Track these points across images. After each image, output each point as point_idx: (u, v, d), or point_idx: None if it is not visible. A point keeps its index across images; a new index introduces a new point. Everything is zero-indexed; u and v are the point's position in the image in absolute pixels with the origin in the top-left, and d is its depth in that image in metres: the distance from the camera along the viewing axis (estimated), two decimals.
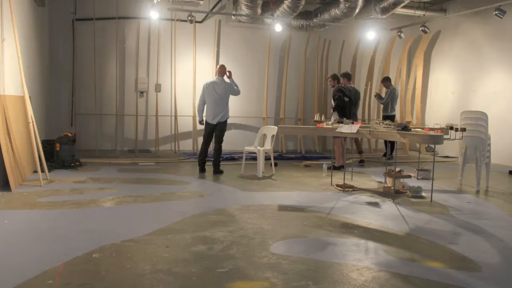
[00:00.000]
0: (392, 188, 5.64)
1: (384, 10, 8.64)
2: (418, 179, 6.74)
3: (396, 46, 10.80)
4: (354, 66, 10.63)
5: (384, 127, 5.79)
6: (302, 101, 10.40)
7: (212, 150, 7.27)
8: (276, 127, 7.26)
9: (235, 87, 7.04)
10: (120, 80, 9.41)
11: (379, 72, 11.05)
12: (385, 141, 9.06)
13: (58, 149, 7.19)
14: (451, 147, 9.38)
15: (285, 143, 10.31)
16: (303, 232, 4.00)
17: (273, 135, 7.14)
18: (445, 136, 5.39)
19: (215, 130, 6.96)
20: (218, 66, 7.21)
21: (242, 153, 7.25)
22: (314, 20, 9.53)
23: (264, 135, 7.39)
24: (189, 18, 8.52)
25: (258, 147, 7.03)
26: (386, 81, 9.46)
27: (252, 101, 10.33)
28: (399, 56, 10.94)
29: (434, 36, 10.77)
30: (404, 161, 8.97)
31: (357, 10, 8.49)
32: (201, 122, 7.19)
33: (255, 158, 7.15)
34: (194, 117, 9.66)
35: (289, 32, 10.02)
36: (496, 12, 7.86)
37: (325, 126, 6.20)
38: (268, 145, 7.14)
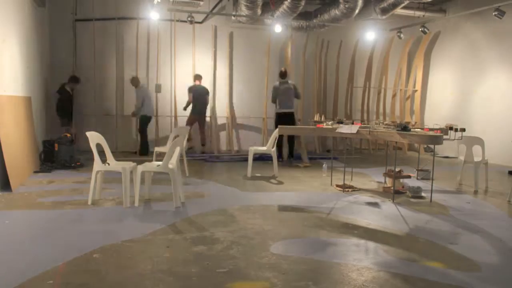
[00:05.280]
0: (392, 188, 5.64)
1: (384, 11, 8.65)
2: (417, 179, 6.75)
3: (395, 47, 10.81)
4: (353, 66, 10.62)
5: (384, 128, 5.80)
6: (302, 101, 10.38)
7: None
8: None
9: None
10: (120, 80, 9.41)
11: (377, 72, 11.06)
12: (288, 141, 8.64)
13: (56, 149, 7.20)
14: (451, 147, 9.38)
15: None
16: (303, 232, 4.00)
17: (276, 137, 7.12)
18: (444, 137, 5.40)
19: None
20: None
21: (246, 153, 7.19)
22: (314, 21, 9.53)
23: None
24: (189, 19, 8.53)
25: (269, 148, 7.03)
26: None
27: (253, 101, 10.33)
28: (398, 56, 10.95)
29: (434, 37, 10.78)
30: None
31: (356, 11, 8.49)
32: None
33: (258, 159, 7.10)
34: None
35: (289, 32, 10.02)
36: (496, 13, 7.87)
37: (325, 127, 6.22)
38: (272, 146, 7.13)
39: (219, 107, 10.04)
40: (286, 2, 8.41)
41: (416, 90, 10.90)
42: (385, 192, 5.86)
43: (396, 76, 10.89)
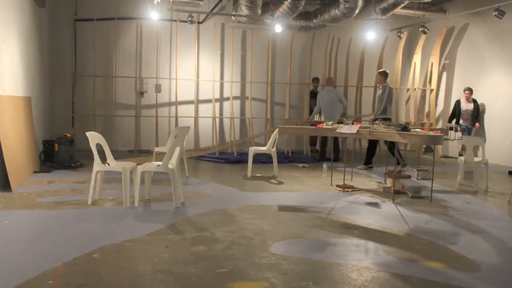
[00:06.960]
0: (392, 188, 5.64)
1: (384, 11, 8.64)
2: (418, 179, 6.74)
3: (395, 46, 10.76)
4: (362, 67, 10.46)
5: (384, 128, 5.80)
6: (307, 101, 10.31)
7: None
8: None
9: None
10: (120, 80, 9.41)
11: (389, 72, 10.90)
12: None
13: (56, 149, 7.20)
14: (450, 147, 9.38)
15: (290, 144, 10.18)
16: (303, 232, 4.00)
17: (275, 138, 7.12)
18: (444, 137, 5.40)
19: None
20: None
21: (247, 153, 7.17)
22: (314, 21, 9.51)
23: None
24: (189, 18, 8.52)
25: (269, 148, 7.02)
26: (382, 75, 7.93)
27: (255, 102, 10.29)
28: (397, 56, 10.88)
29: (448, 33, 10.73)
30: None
31: (357, 11, 8.48)
32: None
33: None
34: (195, 118, 9.66)
35: (291, 32, 9.98)
36: (496, 13, 7.87)
37: (325, 127, 6.21)
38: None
39: (225, 106, 10.03)
40: (286, 2, 8.39)
41: (432, 89, 10.39)
42: (385, 192, 5.86)
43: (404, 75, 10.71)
